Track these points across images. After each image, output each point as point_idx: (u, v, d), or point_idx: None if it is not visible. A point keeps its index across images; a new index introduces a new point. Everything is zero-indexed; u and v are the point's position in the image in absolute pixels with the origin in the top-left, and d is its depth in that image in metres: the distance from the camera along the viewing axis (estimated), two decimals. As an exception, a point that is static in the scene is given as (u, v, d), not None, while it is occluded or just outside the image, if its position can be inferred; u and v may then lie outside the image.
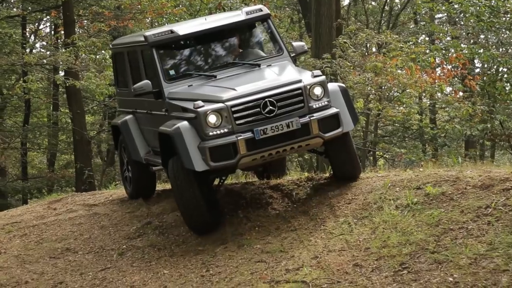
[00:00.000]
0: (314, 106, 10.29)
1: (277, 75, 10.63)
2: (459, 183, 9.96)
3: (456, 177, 10.18)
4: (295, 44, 11.51)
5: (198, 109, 10.10)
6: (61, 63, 23.45)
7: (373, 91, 19.65)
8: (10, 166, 31.07)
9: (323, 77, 10.45)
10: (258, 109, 10.12)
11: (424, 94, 26.12)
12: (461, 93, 23.55)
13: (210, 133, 10.07)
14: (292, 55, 11.46)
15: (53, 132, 30.92)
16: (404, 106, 21.74)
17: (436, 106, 27.88)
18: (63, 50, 23.45)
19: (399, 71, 19.19)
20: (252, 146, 10.07)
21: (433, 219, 9.34)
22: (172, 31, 11.24)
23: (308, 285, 8.85)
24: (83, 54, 23.47)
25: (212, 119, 10.06)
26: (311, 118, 10.21)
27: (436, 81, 20.14)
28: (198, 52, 11.52)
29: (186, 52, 11.53)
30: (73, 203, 13.55)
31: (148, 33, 11.33)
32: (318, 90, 10.34)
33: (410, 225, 9.41)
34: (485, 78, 24.19)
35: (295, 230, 10.26)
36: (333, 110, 10.37)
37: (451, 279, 8.23)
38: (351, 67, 19.23)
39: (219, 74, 11.03)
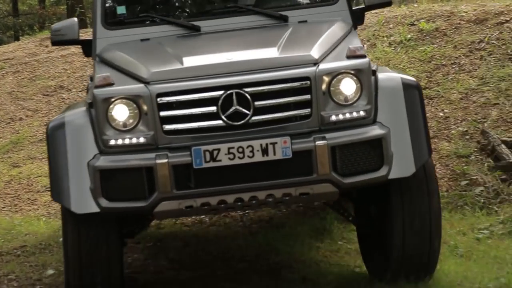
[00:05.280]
0: (334, 117, 5.19)
1: (282, 43, 5.53)
2: (453, 18, 9.88)
3: (451, 12, 10.09)
4: None
5: (96, 91, 5.24)
6: None
7: None
8: (0, 1, 30.68)
9: (364, 60, 5.27)
10: (214, 107, 5.16)
11: None
12: None
13: (111, 142, 5.20)
14: (357, 6, 6.40)
15: (43, -32, 30.35)
16: None
17: None
18: None
19: None
20: (185, 180, 5.15)
21: (426, 55, 9.32)
22: None
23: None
24: None
25: (117, 114, 5.20)
26: (318, 142, 5.11)
27: None
28: None
29: None
30: (65, 40, 13.45)
31: None
32: (348, 85, 5.22)
33: (403, 61, 9.40)
34: None
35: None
36: (373, 130, 5.20)
37: (441, 114, 8.30)
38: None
39: (206, 26, 6.06)
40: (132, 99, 5.19)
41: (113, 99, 5.19)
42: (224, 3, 6.45)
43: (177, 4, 6.58)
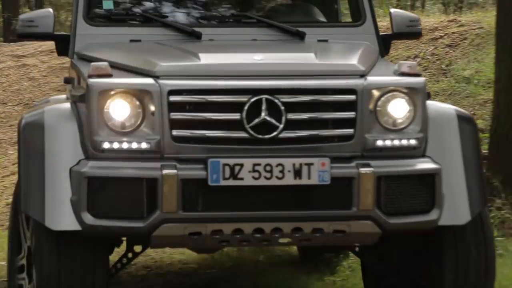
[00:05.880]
0: (380, 143, 4.41)
1: (317, 53, 4.70)
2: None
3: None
4: (397, 13, 5.39)
5: (92, 81, 4.35)
6: None
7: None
8: None
9: (420, 79, 4.49)
10: (238, 115, 4.32)
11: None
12: None
13: (104, 145, 4.32)
14: (384, 33, 5.42)
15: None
16: None
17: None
18: None
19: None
20: (195, 199, 4.29)
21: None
22: None
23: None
24: None
25: (115, 111, 4.33)
26: (362, 169, 4.30)
27: None
28: None
29: None
30: (1, 54, 13.29)
31: None
32: (399, 106, 4.43)
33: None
34: None
35: None
36: (426, 164, 4.43)
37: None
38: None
39: (209, 34, 5.13)
40: (136, 95, 4.28)
41: (112, 92, 4.28)
42: (231, 11, 5.53)
43: (175, 5, 5.51)
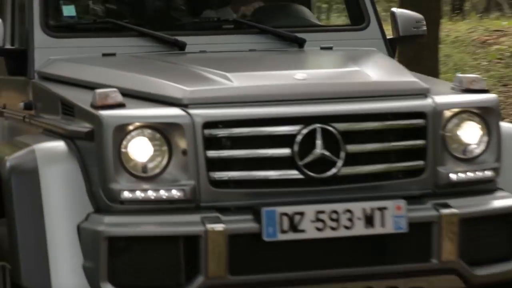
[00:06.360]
0: (454, 177, 3.71)
1: (362, 68, 4.02)
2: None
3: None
4: (402, 13, 4.68)
5: (105, 113, 3.51)
6: None
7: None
8: None
9: (492, 96, 3.87)
10: (288, 150, 3.55)
11: None
12: None
13: (125, 194, 3.49)
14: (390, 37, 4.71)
15: None
16: None
17: None
18: None
19: None
20: (247, 259, 3.50)
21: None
22: None
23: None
24: None
25: (136, 150, 3.51)
26: (443, 211, 3.59)
27: None
28: None
29: None
30: None
31: None
32: (472, 130, 3.76)
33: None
34: None
35: None
36: (508, 200, 3.78)
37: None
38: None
39: (194, 44, 4.36)
40: (161, 129, 3.44)
41: (130, 127, 3.43)
42: (213, 16, 4.70)
43: (152, 10, 4.74)
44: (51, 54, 4.19)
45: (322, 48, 4.44)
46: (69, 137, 3.63)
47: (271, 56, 4.36)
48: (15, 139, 4.00)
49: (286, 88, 3.61)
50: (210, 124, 3.46)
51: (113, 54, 4.22)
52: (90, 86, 3.75)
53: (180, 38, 4.28)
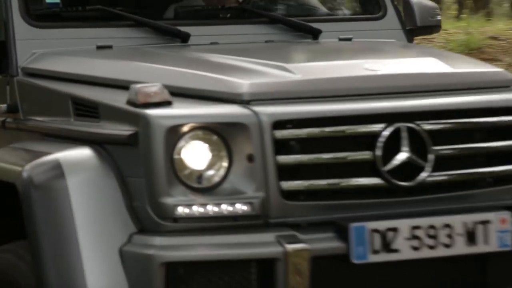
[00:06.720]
0: None
1: (432, 58, 3.51)
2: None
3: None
4: (418, 2, 4.26)
5: (152, 113, 2.88)
6: None
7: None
8: None
9: None
10: (369, 153, 2.99)
11: None
12: None
13: (181, 210, 2.86)
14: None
15: None
16: None
17: None
18: None
19: None
20: (333, 286, 2.98)
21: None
22: None
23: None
24: None
25: (195, 155, 2.90)
26: None
27: None
28: None
29: None
30: None
31: None
32: None
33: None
34: None
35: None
36: None
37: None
38: None
39: (198, 36, 3.80)
40: (219, 130, 2.88)
41: (185, 129, 2.85)
42: (222, 4, 4.15)
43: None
44: (34, 47, 3.58)
45: (341, 40, 3.97)
46: (97, 143, 3.02)
47: (305, 46, 3.86)
48: (13, 146, 3.34)
49: (361, 81, 3.10)
50: (280, 123, 2.88)
51: (110, 47, 3.65)
52: (106, 84, 3.22)
53: (182, 29, 3.74)
